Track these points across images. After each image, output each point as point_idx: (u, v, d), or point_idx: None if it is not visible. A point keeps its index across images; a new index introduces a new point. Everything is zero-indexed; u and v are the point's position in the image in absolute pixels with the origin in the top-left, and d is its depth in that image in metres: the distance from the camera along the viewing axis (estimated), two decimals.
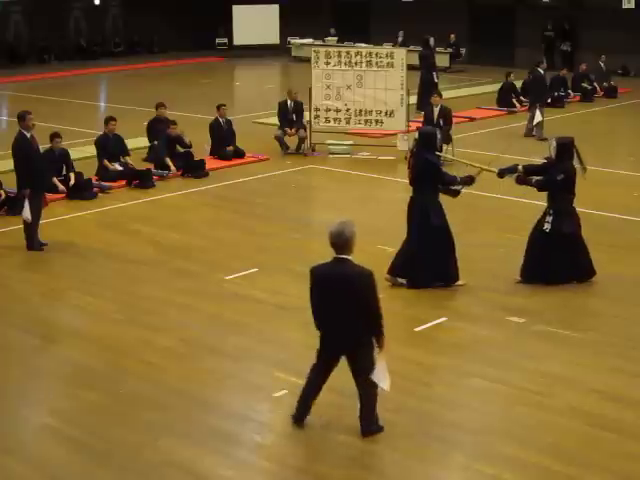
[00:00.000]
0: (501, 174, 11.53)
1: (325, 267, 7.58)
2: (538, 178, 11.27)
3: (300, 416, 7.76)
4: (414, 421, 7.91)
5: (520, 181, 11.38)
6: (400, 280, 11.09)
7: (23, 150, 12.58)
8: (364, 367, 7.48)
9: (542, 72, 21.38)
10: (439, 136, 11.31)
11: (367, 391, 7.54)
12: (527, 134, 20.80)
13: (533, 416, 7.99)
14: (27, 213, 12.43)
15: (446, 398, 8.38)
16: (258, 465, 7.34)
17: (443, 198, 11.29)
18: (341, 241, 7.40)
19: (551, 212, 11.09)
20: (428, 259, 10.92)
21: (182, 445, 7.51)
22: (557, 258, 11.00)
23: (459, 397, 8.43)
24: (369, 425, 7.57)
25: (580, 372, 8.85)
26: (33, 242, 12.59)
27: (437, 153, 11.27)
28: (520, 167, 11.40)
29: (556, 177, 11.01)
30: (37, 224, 12.70)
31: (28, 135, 12.61)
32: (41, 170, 12.94)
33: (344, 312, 7.43)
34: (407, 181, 11.42)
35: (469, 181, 11.31)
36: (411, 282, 11.06)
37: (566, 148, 11.27)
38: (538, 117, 20.38)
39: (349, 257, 7.44)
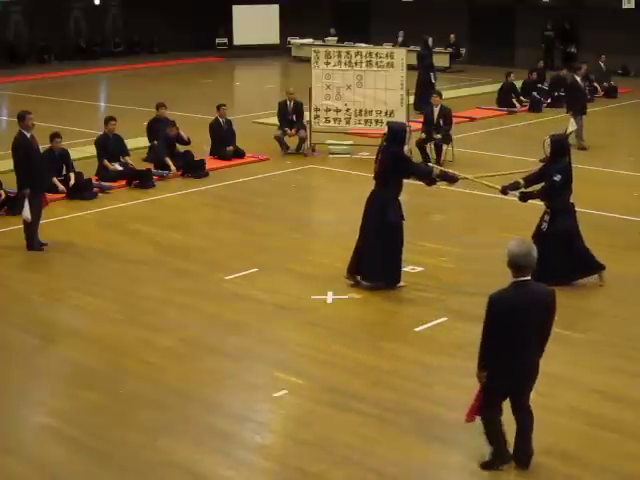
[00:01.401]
0: (504, 191, 11.54)
1: (512, 294, 6.88)
2: (539, 188, 11.23)
3: (508, 456, 7.13)
4: (414, 421, 7.91)
5: (524, 199, 11.38)
6: (358, 278, 11.09)
7: (23, 150, 12.58)
8: (527, 399, 7.07)
9: (579, 79, 20.13)
10: (409, 132, 11.25)
11: (527, 421, 7.09)
12: (580, 146, 19.36)
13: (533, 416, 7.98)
14: (27, 213, 12.44)
15: (447, 398, 8.38)
16: (258, 465, 7.34)
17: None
18: (528, 262, 6.82)
19: (548, 211, 11.12)
20: (381, 256, 10.86)
21: (182, 445, 7.51)
22: (558, 257, 10.97)
23: (459, 397, 8.42)
24: (528, 453, 7.13)
25: (580, 372, 8.85)
26: (33, 242, 12.59)
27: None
28: (522, 182, 11.35)
29: (553, 179, 11.00)
30: (37, 224, 12.70)
31: (28, 135, 12.61)
32: (41, 170, 12.94)
33: (533, 340, 6.93)
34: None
35: (450, 179, 11.27)
36: (364, 278, 11.04)
37: (560, 145, 11.27)
38: (572, 126, 19.32)
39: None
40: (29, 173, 12.57)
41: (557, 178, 10.98)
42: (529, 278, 6.87)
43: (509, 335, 6.84)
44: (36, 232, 12.67)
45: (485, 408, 7.07)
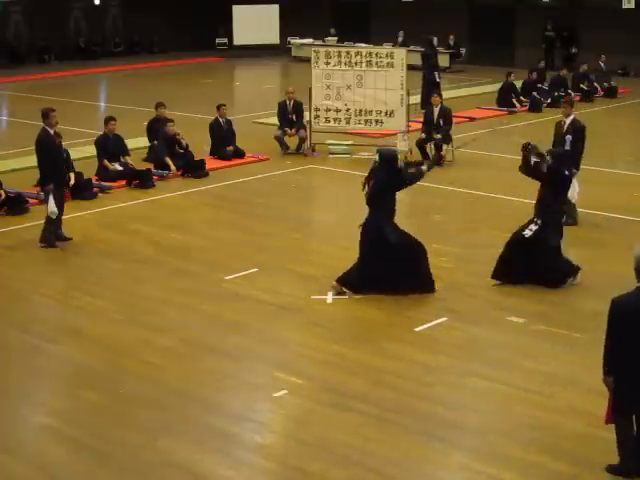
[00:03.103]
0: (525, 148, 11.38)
1: (634, 297, 6.74)
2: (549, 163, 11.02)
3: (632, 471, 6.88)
4: (414, 421, 7.92)
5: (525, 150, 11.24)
6: (345, 290, 10.85)
7: (47, 146, 12.68)
8: None
9: None
10: (399, 155, 11.17)
11: None
12: None
13: (533, 416, 7.99)
14: (53, 207, 12.47)
15: (446, 398, 8.38)
16: (258, 465, 7.34)
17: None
18: None
19: (539, 222, 10.93)
20: (391, 274, 10.77)
21: (182, 445, 7.51)
22: (533, 265, 10.85)
23: (459, 397, 8.43)
24: None
25: (580, 372, 8.84)
26: (50, 237, 12.56)
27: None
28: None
29: (568, 173, 10.90)
30: (60, 219, 12.81)
31: (51, 132, 12.69)
32: (62, 166, 13.11)
33: None
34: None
35: (437, 161, 11.11)
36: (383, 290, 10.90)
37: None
38: None
39: None
40: (53, 169, 12.65)
41: (570, 173, 10.90)
42: None
43: (630, 340, 6.68)
44: (60, 226, 12.78)
45: (615, 413, 6.88)
